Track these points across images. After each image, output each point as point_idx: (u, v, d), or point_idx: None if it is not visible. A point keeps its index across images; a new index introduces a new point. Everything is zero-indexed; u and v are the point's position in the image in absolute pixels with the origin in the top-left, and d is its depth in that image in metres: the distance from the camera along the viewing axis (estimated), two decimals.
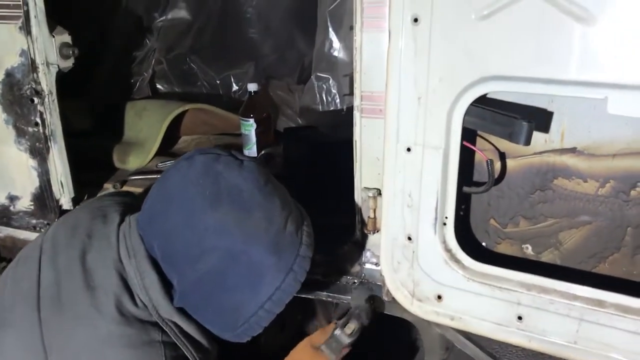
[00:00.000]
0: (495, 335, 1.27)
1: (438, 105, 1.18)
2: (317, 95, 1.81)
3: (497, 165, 1.28)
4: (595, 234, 1.23)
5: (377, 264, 1.55)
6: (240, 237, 1.15)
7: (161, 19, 2.54)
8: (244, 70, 2.54)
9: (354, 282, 1.62)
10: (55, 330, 1.17)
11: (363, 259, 1.58)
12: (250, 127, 2.18)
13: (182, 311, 1.23)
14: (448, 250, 1.27)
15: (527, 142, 1.11)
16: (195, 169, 1.20)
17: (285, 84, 2.44)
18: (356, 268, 1.61)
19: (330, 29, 1.76)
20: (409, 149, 1.24)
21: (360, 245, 1.56)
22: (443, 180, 1.23)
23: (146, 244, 1.23)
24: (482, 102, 1.17)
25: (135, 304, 1.20)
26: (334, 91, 1.80)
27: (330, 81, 1.79)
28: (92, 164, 2.19)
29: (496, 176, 1.28)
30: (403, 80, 1.20)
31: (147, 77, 2.62)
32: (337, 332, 1.45)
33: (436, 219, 1.25)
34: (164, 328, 1.21)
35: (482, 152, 1.24)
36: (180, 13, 2.51)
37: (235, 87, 2.60)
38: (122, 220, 1.32)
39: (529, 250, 1.31)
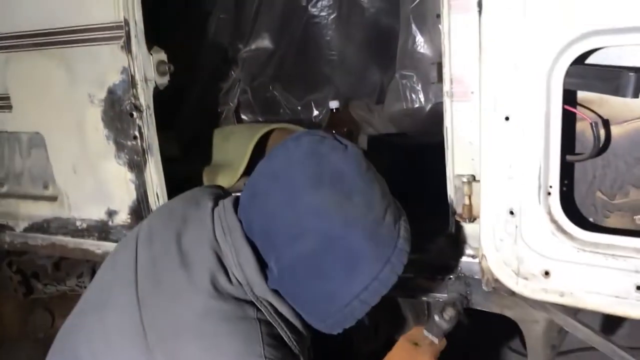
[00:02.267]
0: (612, 309, 1.19)
1: (536, 68, 1.16)
2: (401, 93, 1.84)
3: (601, 133, 1.24)
4: None
5: (474, 257, 1.51)
6: (339, 221, 1.13)
7: (245, 49, 2.66)
8: (323, 95, 2.60)
9: (450, 278, 1.58)
10: (153, 308, 1.19)
11: (458, 252, 1.54)
12: None
13: (276, 293, 1.22)
14: (554, 221, 1.22)
15: (636, 94, 1.07)
16: (300, 149, 1.20)
17: (364, 104, 2.48)
18: (451, 263, 1.57)
19: (413, 25, 1.79)
20: (507, 118, 1.23)
21: (454, 239, 1.53)
22: (545, 147, 1.19)
23: (245, 222, 1.24)
24: None
25: (230, 282, 1.20)
26: (418, 88, 1.81)
27: (414, 78, 1.81)
28: (182, 188, 2.27)
29: (600, 145, 1.24)
30: (498, 48, 1.20)
31: (232, 107, 2.73)
32: (437, 317, 1.44)
33: (540, 187, 1.21)
34: (259, 307, 1.20)
35: (585, 115, 1.20)
36: (264, 42, 2.63)
37: (315, 112, 2.66)
38: (215, 205, 1.34)
39: None
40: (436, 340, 1.43)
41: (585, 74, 1.13)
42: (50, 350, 1.34)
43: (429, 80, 1.78)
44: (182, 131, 2.64)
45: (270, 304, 1.21)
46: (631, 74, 1.06)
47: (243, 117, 2.79)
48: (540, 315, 1.48)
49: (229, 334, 1.13)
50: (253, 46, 2.65)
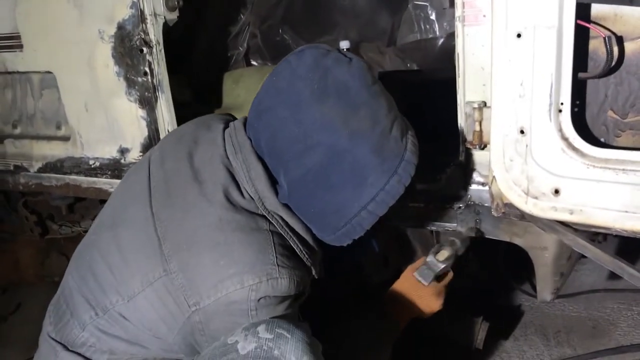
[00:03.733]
0: (621, 224, 1.20)
1: None
2: (415, 24, 1.82)
3: (614, 49, 1.22)
4: None
5: (483, 184, 1.51)
6: (345, 135, 1.15)
7: None
8: (333, 38, 2.58)
9: (459, 207, 1.59)
10: (167, 220, 1.22)
11: (468, 180, 1.54)
12: None
13: (287, 207, 1.25)
14: (565, 138, 1.22)
15: None
16: (304, 63, 1.21)
17: (375, 46, 2.46)
18: (461, 192, 1.57)
19: None
20: (519, 35, 1.21)
21: (464, 167, 1.53)
22: (557, 62, 1.19)
23: (253, 140, 1.26)
24: None
25: (242, 196, 1.23)
26: (432, 18, 1.79)
27: (428, 8, 1.79)
28: None
29: (614, 62, 1.23)
30: None
31: (242, 52, 2.71)
32: (429, 258, 1.46)
33: (551, 105, 1.21)
34: (271, 220, 1.24)
35: (599, 30, 1.19)
36: None
37: None
38: (226, 127, 1.36)
39: None
40: (425, 283, 1.45)
41: None
42: (66, 271, 1.38)
43: (442, 14, 1.76)
44: (193, 76, 2.63)
45: (282, 218, 1.24)
46: None
47: (253, 62, 2.77)
48: (549, 242, 1.49)
49: (242, 243, 1.16)
50: None
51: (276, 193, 1.23)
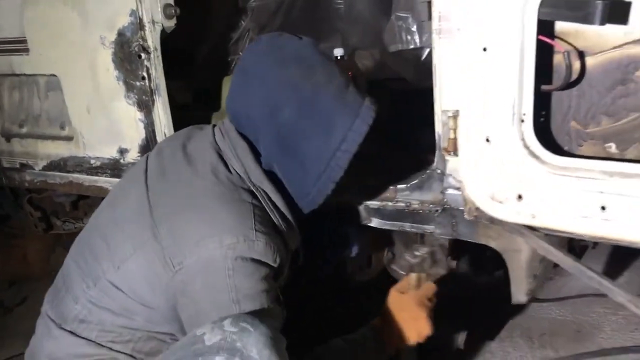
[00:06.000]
0: (579, 229, 1.26)
1: None
2: (397, 35, 1.89)
3: (577, 64, 1.28)
4: None
5: (458, 189, 1.57)
6: (308, 88, 1.31)
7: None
8: (331, 44, 2.63)
9: (437, 210, 1.65)
10: (159, 191, 1.36)
11: (444, 185, 1.61)
12: None
13: (271, 181, 1.38)
14: (527, 146, 1.28)
15: (603, 21, 1.12)
16: (262, 45, 1.40)
17: (369, 53, 2.51)
18: (438, 196, 1.64)
19: None
20: (485, 49, 1.28)
21: (440, 172, 1.60)
22: (520, 76, 1.25)
23: (235, 123, 1.42)
24: None
25: (230, 172, 1.37)
26: (413, 29, 1.86)
27: (410, 19, 1.86)
28: None
29: (575, 76, 1.29)
30: None
31: None
32: (406, 254, 1.54)
33: (514, 115, 1.28)
34: (256, 193, 1.36)
35: (559, 45, 1.25)
36: None
37: None
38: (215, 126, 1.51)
39: (612, 149, 1.29)
40: (403, 272, 1.53)
41: (558, 4, 1.18)
42: (67, 255, 1.48)
43: (423, 26, 1.82)
44: (194, 80, 2.72)
45: (266, 193, 1.37)
46: (598, 1, 1.11)
47: None
48: (522, 245, 1.55)
49: (225, 209, 1.28)
50: None
51: (260, 165, 1.37)
